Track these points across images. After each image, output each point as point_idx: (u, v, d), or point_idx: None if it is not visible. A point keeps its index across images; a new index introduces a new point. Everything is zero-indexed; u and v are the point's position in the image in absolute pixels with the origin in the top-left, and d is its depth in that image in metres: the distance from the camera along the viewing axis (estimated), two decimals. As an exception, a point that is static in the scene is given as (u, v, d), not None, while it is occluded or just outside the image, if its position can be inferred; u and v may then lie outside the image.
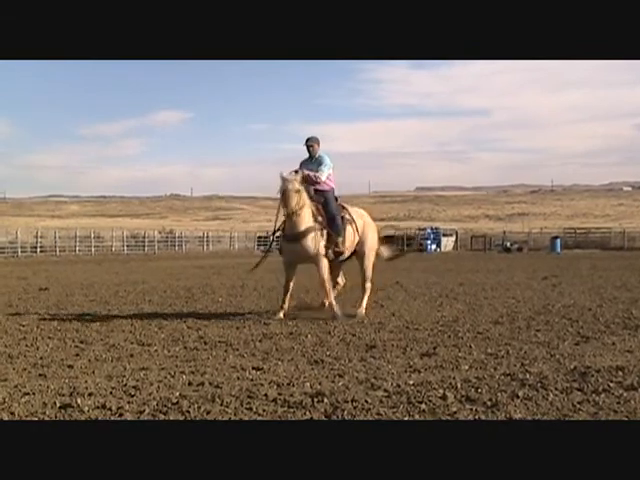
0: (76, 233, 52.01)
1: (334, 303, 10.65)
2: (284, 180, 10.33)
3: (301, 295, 13.13)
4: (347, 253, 11.07)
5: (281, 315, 10.63)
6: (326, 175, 10.87)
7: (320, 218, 10.67)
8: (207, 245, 59.12)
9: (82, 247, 50.44)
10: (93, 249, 50.61)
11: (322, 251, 10.61)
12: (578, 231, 62.40)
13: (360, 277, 11.41)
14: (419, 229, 62.46)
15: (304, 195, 10.38)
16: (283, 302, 10.85)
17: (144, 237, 56.25)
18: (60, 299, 14.11)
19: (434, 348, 7.85)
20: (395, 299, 13.33)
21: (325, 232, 10.67)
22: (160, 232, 62.27)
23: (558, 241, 51.30)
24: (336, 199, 11.10)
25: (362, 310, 10.94)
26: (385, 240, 57.30)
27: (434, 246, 55.71)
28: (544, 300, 12.96)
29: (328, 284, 10.73)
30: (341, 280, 11.76)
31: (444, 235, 58.94)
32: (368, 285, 11.28)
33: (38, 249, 47.55)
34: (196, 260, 37.72)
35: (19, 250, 45.92)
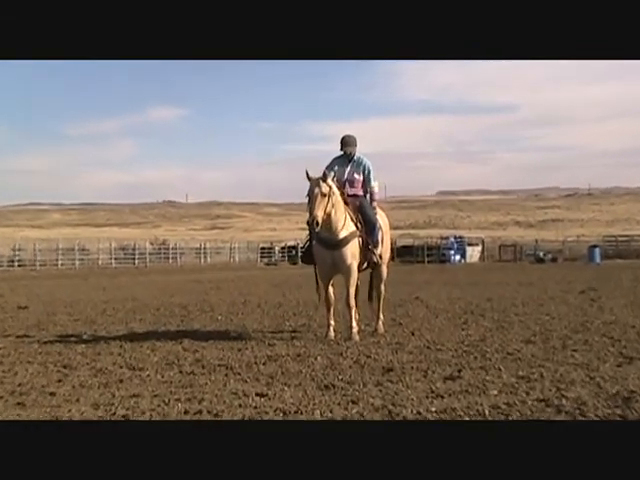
0: (58, 245, 52.21)
1: (355, 325, 10.62)
2: (311, 182, 10.29)
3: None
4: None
5: (332, 334, 10.54)
6: (377, 186, 11.23)
7: (358, 224, 10.75)
8: (205, 257, 59.24)
9: (65, 260, 50.62)
10: (77, 262, 50.80)
11: (358, 259, 10.69)
12: (619, 239, 62.14)
13: (374, 283, 11.58)
14: (441, 238, 62.35)
15: (336, 199, 10.35)
16: (329, 319, 10.74)
17: (134, 249, 56.41)
18: (41, 318, 14.14)
19: (459, 371, 7.83)
20: (415, 316, 13.31)
21: (361, 239, 10.74)
22: (152, 243, 62.45)
23: (597, 250, 51.05)
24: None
25: (381, 324, 11.21)
26: (403, 250, 56.49)
27: (458, 257, 55.62)
28: (582, 316, 12.91)
29: (354, 300, 10.75)
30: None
31: (469, 244, 58.83)
32: (383, 289, 11.58)
33: (16, 263, 47.75)
34: (192, 274, 37.76)
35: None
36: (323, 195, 10.13)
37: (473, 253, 57.82)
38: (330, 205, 10.21)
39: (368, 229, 10.81)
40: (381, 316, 11.36)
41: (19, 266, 47.35)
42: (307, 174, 10.28)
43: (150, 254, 56.74)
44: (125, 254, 55.89)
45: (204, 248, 60.95)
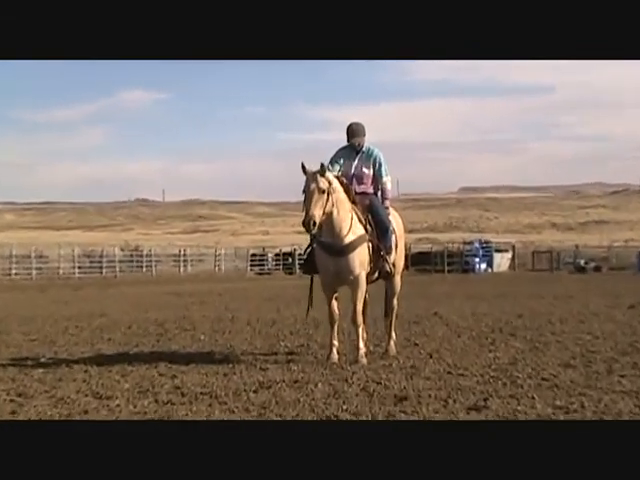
0: (12, 251, 52.20)
1: (362, 346, 10.60)
2: (307, 176, 10.22)
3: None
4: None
5: (335, 357, 10.45)
6: (390, 182, 11.22)
7: (368, 227, 10.72)
8: (185, 266, 59.26)
9: (20, 269, 50.61)
10: (34, 272, 50.76)
11: (366, 272, 10.65)
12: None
13: (388, 296, 11.60)
14: (464, 243, 62.36)
15: (338, 196, 10.28)
16: (332, 338, 10.63)
17: (102, 256, 56.40)
18: (-8, 338, 14.15)
19: (485, 400, 7.83)
20: (433, 335, 13.32)
21: (372, 244, 10.69)
22: (123, 249, 62.47)
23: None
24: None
25: (393, 345, 11.25)
26: (419, 258, 56.57)
27: (484, 265, 55.66)
28: (630, 336, 12.92)
29: (361, 317, 10.74)
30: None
31: (497, 251, 58.89)
32: (396, 302, 11.63)
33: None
34: (170, 285, 37.79)
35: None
36: (321, 191, 10.03)
37: (502, 261, 57.90)
38: (330, 204, 10.13)
39: (380, 232, 10.79)
40: (393, 335, 11.38)
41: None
42: (303, 167, 10.22)
43: (120, 262, 56.73)
44: (91, 262, 55.87)
45: (184, 255, 60.99)
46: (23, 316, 19.14)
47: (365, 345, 10.74)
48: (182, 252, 61.58)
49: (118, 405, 7.98)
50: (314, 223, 9.90)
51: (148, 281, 45.91)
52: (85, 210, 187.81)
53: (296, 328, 14.75)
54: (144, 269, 56.95)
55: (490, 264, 56.23)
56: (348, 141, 11.05)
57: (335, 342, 10.62)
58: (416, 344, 12.17)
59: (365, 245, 10.52)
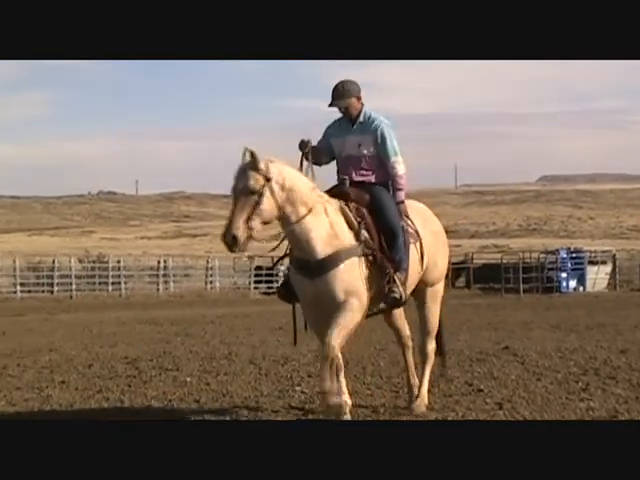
0: None
1: (327, 387, 9.59)
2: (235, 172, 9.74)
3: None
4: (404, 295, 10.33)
5: (334, 399, 9.64)
6: (401, 163, 10.44)
7: (366, 233, 10.03)
8: (166, 282, 59.31)
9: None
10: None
11: (363, 294, 9.94)
12: None
13: (420, 332, 11.03)
14: (546, 252, 62.24)
15: (293, 195, 9.69)
16: (328, 380, 9.62)
17: (53, 269, 56.57)
18: None
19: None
20: (504, 378, 13.31)
21: (373, 259, 10.02)
22: (82, 260, 62.55)
23: None
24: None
25: (422, 402, 10.83)
26: (483, 271, 56.42)
27: (573, 282, 55.51)
28: None
29: (337, 353, 9.78)
30: (404, 331, 11.29)
31: (591, 262, 58.65)
32: (431, 348, 10.97)
33: None
34: (146, 310, 37.86)
35: None
36: (250, 193, 9.46)
37: (598, 277, 57.65)
38: (273, 207, 9.57)
39: (386, 241, 10.13)
40: (425, 384, 10.97)
41: None
42: (246, 154, 9.54)
43: (78, 277, 56.84)
44: (37, 277, 56.03)
45: (164, 269, 60.95)
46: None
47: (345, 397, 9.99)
48: (162, 264, 61.55)
49: None
50: (234, 239, 9.36)
51: (115, 304, 46.01)
52: (29, 207, 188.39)
53: (316, 368, 14.74)
54: (110, 287, 57.00)
55: (582, 281, 56.08)
56: (333, 106, 10.47)
57: (334, 385, 9.71)
58: (480, 390, 12.18)
59: (355, 260, 9.87)
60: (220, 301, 46.22)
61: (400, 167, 10.36)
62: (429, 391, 11.06)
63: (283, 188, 9.56)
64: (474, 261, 57.04)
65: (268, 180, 9.46)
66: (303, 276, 9.94)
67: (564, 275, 55.63)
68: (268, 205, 9.46)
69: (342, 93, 10.24)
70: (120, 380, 13.98)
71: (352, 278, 9.78)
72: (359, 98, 10.32)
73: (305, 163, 10.24)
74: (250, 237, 9.39)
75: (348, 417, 9.69)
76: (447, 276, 11.48)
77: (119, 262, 58.85)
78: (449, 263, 11.50)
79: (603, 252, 63.78)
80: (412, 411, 10.54)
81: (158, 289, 57.40)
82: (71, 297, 51.78)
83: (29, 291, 53.09)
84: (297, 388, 12.80)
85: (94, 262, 61.29)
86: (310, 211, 9.70)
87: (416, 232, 10.47)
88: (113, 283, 57.11)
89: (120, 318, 32.21)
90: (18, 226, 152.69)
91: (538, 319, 26.82)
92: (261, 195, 9.41)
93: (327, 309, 9.81)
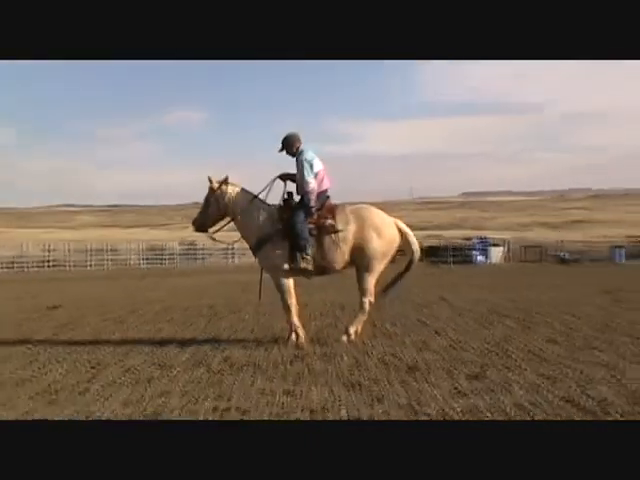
0: (89, 246, 52.54)
1: (294, 323, 10.28)
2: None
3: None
4: (337, 267, 10.24)
5: (294, 339, 10.12)
6: (310, 176, 10.02)
7: (280, 226, 10.16)
8: (232, 258, 59.28)
9: (95, 261, 50.93)
10: (107, 264, 51.06)
11: (281, 267, 10.27)
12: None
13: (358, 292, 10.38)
14: (466, 239, 62.18)
15: (229, 197, 10.38)
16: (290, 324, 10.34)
17: (163, 250, 56.68)
18: (72, 318, 14.29)
19: (483, 370, 7.83)
20: (439, 316, 13.27)
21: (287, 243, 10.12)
22: (181, 244, 62.61)
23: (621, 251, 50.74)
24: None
25: (346, 335, 10.13)
26: (429, 251, 56.01)
27: (482, 257, 55.39)
28: (606, 316, 12.83)
29: (288, 303, 10.43)
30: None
31: (493, 245, 58.57)
32: (363, 301, 10.18)
33: (47, 264, 48.12)
34: (220, 275, 37.81)
35: (27, 265, 46.60)
36: (209, 203, 10.52)
37: (497, 254, 57.60)
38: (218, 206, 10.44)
39: (291, 232, 10.09)
40: (352, 326, 10.24)
41: (50, 267, 47.71)
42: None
43: (179, 255, 56.92)
44: (154, 255, 56.07)
45: (232, 249, 60.96)
46: (98, 301, 19.29)
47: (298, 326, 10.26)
48: (230, 246, 61.57)
49: (177, 373, 8.05)
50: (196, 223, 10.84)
51: (201, 271, 46.00)
52: (148, 211, 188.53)
53: (325, 309, 14.72)
54: (197, 261, 57.11)
55: (488, 257, 55.98)
56: (286, 153, 10.33)
57: (294, 329, 10.29)
58: (425, 323, 12.15)
59: (270, 242, 10.23)
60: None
61: (309, 179, 10.00)
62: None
63: (234, 200, 10.44)
64: (423, 245, 56.71)
65: (218, 191, 10.42)
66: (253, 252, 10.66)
67: (477, 253, 55.56)
68: (220, 207, 10.46)
69: (289, 140, 10.19)
70: (204, 318, 13.95)
71: (269, 254, 10.34)
72: (294, 145, 10.21)
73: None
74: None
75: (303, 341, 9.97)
76: (418, 252, 10.71)
77: (204, 245, 58.70)
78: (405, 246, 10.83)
79: (501, 239, 63.90)
80: (341, 340, 9.99)
81: (227, 262, 57.38)
82: (174, 267, 51.78)
83: (149, 263, 53.15)
84: (313, 323, 12.67)
85: (188, 245, 61.35)
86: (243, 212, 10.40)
87: (332, 226, 10.07)
88: (199, 258, 57.20)
89: (203, 280, 32.21)
90: (141, 223, 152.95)
91: (462, 281, 26.70)
92: (221, 200, 10.43)
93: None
